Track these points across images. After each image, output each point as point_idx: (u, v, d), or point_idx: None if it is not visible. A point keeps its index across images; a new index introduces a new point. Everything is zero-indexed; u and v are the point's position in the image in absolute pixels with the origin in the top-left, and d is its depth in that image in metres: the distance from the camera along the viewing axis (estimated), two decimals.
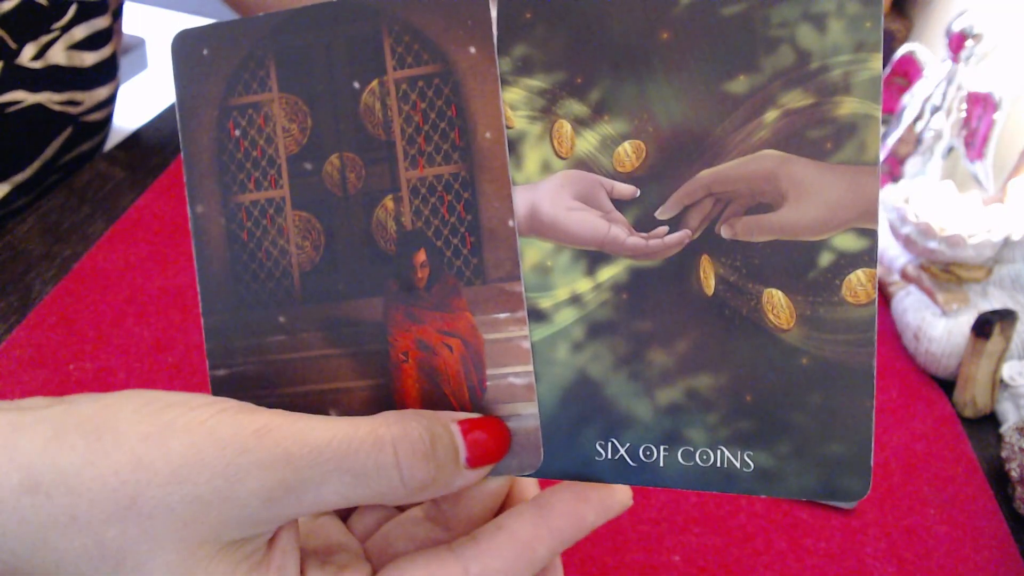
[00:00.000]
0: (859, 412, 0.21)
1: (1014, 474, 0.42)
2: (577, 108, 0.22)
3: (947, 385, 0.50)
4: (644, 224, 0.22)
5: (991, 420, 0.48)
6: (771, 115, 0.21)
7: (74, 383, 0.42)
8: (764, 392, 0.22)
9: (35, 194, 0.57)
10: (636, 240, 0.22)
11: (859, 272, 0.21)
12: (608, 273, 0.22)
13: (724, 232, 0.22)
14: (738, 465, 0.22)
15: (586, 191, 0.22)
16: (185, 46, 0.23)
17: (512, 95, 0.22)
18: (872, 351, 0.21)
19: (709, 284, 0.22)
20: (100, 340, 0.44)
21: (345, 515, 0.26)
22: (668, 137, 0.22)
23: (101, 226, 0.53)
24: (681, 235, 0.22)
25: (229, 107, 0.23)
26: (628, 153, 0.22)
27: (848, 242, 0.21)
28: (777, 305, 0.22)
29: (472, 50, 0.22)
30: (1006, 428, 0.45)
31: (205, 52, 0.23)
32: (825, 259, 0.21)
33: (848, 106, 0.21)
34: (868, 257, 0.21)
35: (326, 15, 0.23)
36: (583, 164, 0.22)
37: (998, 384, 0.48)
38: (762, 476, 0.22)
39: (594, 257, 0.22)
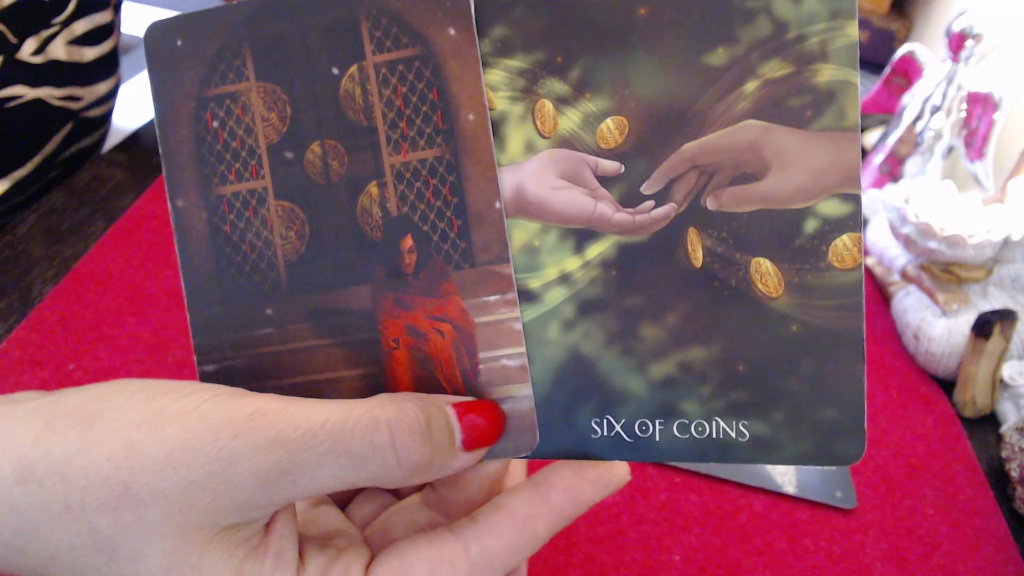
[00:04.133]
0: (851, 376, 0.21)
1: (1014, 474, 0.43)
2: (558, 87, 0.22)
3: (947, 385, 0.50)
4: (630, 200, 0.22)
5: (991, 420, 0.49)
6: (751, 86, 0.21)
7: (74, 383, 0.41)
8: (756, 361, 0.22)
9: (34, 191, 0.56)
10: (623, 216, 0.22)
11: (845, 237, 0.21)
12: (596, 250, 0.22)
13: (710, 204, 0.22)
14: (734, 435, 0.22)
15: (571, 169, 0.22)
16: (158, 37, 0.23)
17: (492, 76, 0.22)
18: (861, 315, 0.21)
19: (697, 256, 0.22)
20: (100, 340, 0.44)
21: (344, 504, 0.26)
22: (650, 112, 0.22)
23: (101, 226, 0.52)
24: (667, 209, 0.22)
25: (206, 98, 0.23)
26: (611, 129, 0.22)
27: (832, 208, 0.21)
28: (765, 274, 0.22)
29: (452, 32, 0.22)
30: (1006, 428, 0.46)
31: (179, 43, 0.23)
32: (811, 226, 0.21)
33: (826, 73, 0.21)
34: (853, 222, 0.21)
35: (301, 0, 0.22)
36: (566, 142, 0.22)
37: (998, 384, 0.48)
38: (758, 445, 0.22)
39: (581, 235, 0.22)
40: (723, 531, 0.39)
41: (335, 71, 0.23)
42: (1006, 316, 0.47)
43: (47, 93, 0.51)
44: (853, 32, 0.20)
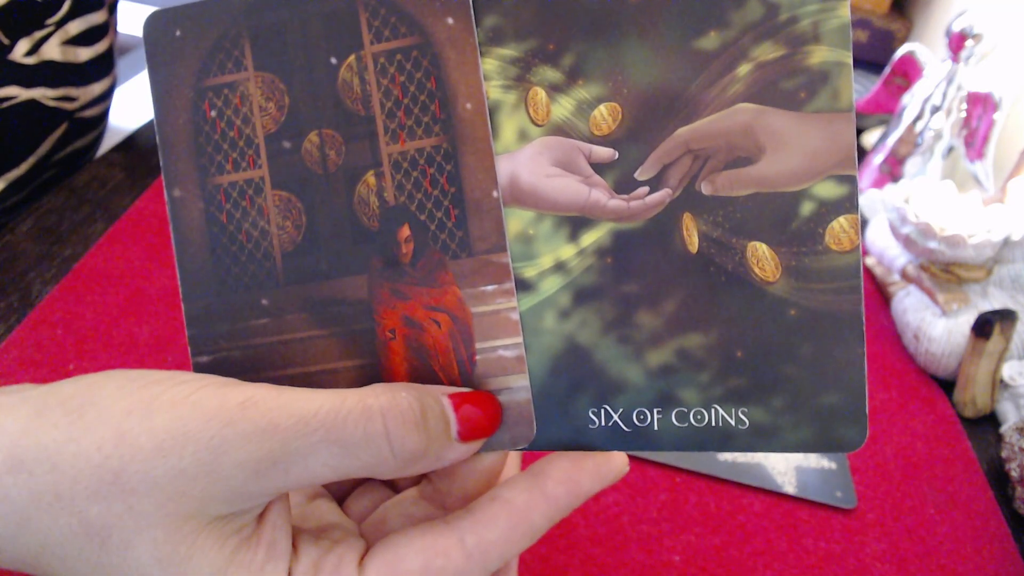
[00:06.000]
0: (851, 360, 0.21)
1: (1014, 474, 0.42)
2: (551, 74, 0.22)
3: (947, 385, 0.50)
4: (624, 186, 0.22)
5: (991, 420, 0.48)
6: (744, 69, 0.21)
7: None
8: (755, 347, 0.22)
9: (29, 191, 0.56)
10: (617, 203, 0.22)
11: (841, 219, 0.21)
12: (591, 238, 0.22)
13: (705, 188, 0.22)
14: (733, 423, 0.22)
15: (564, 157, 0.22)
16: (157, 28, 0.23)
17: (485, 65, 0.22)
18: (859, 298, 0.21)
19: (693, 242, 0.22)
20: (100, 340, 0.44)
21: (341, 499, 0.26)
22: (643, 98, 0.22)
23: (101, 226, 0.53)
24: (662, 195, 0.22)
25: (204, 88, 0.23)
26: (604, 116, 0.22)
27: (828, 190, 0.21)
28: (762, 258, 0.22)
29: (450, 21, 0.22)
30: (1006, 428, 0.45)
31: (178, 33, 0.23)
32: (807, 208, 0.21)
33: (819, 55, 0.21)
34: (849, 203, 0.21)
35: None
36: (560, 130, 0.22)
37: (998, 384, 0.48)
38: (758, 432, 0.22)
39: (576, 223, 0.22)
40: (723, 531, 0.39)
41: (333, 60, 0.23)
42: (1006, 316, 0.47)
43: (41, 94, 0.52)
44: (845, 12, 0.20)
